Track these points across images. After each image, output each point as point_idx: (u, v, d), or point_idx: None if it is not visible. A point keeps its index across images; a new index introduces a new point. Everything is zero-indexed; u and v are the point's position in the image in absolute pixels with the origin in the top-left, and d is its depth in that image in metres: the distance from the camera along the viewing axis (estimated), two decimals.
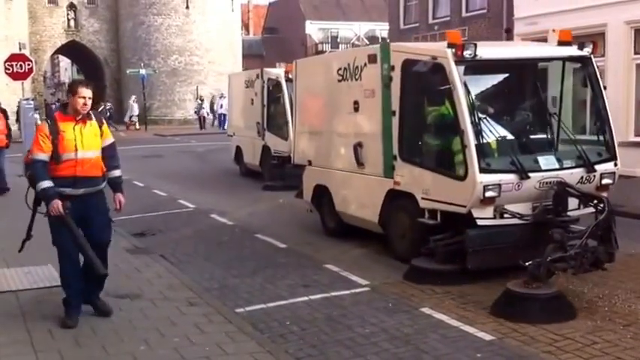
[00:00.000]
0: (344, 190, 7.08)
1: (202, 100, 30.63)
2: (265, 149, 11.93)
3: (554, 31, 5.89)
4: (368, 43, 42.53)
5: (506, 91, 6.24)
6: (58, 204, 4.05)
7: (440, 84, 5.34)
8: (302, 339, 4.28)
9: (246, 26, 51.69)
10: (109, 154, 4.40)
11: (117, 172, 4.45)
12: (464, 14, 19.36)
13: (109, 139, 4.45)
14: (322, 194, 7.41)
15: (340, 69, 6.84)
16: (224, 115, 26.49)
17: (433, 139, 5.82)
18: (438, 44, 6.08)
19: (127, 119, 31.69)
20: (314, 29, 45.92)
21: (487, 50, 5.58)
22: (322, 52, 40.76)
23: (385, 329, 4.40)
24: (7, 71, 13.62)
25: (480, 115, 5.36)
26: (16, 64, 13.54)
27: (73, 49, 37.39)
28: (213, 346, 3.93)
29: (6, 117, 11.19)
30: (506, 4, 17.33)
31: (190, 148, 21.35)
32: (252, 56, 42.87)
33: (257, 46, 47.68)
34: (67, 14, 35.25)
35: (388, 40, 25.43)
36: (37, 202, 4.31)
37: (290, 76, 10.53)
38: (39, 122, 28.57)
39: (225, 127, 25.48)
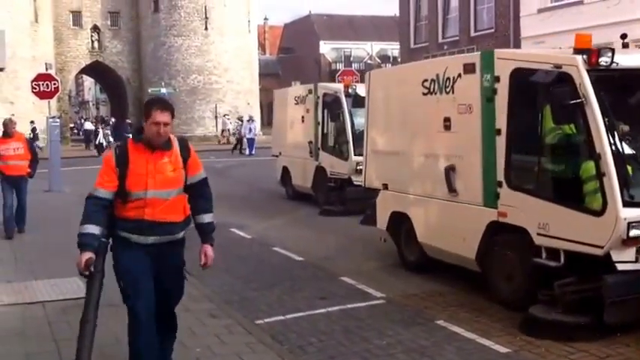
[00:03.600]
0: (430, 219, 6.15)
1: (242, 121, 27.38)
2: (319, 170, 10.96)
3: None
4: (380, 62, 42.87)
5: None
6: (84, 258, 3.15)
7: (566, 98, 4.46)
8: (320, 350, 4.36)
9: (262, 46, 52.56)
10: (197, 192, 3.43)
11: (206, 217, 3.46)
12: (472, 34, 19.56)
13: (198, 175, 3.43)
14: (400, 222, 6.49)
15: (426, 80, 5.94)
16: (252, 139, 25.83)
17: (555, 163, 4.85)
18: (560, 50, 5.24)
19: (219, 133, 32.80)
20: (328, 49, 46.60)
21: (626, 57, 4.70)
22: (336, 70, 41.13)
23: (401, 341, 4.46)
24: (33, 90, 14.05)
25: (620, 137, 4.44)
26: (43, 84, 13.96)
27: (96, 69, 38.45)
28: (234, 356, 4.04)
29: (28, 141, 9.21)
30: (514, 24, 17.49)
31: (211, 164, 21.59)
32: (269, 75, 43.59)
33: (273, 65, 48.43)
34: (91, 36, 36.32)
35: (399, 59, 25.34)
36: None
37: (350, 90, 10.29)
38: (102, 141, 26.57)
39: (254, 151, 25.10)
